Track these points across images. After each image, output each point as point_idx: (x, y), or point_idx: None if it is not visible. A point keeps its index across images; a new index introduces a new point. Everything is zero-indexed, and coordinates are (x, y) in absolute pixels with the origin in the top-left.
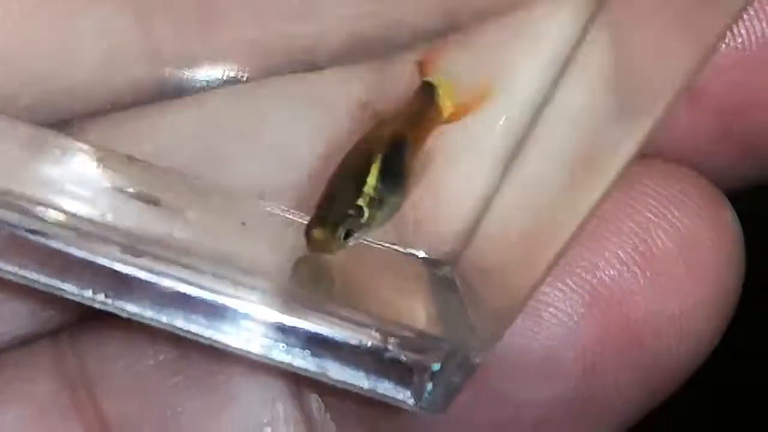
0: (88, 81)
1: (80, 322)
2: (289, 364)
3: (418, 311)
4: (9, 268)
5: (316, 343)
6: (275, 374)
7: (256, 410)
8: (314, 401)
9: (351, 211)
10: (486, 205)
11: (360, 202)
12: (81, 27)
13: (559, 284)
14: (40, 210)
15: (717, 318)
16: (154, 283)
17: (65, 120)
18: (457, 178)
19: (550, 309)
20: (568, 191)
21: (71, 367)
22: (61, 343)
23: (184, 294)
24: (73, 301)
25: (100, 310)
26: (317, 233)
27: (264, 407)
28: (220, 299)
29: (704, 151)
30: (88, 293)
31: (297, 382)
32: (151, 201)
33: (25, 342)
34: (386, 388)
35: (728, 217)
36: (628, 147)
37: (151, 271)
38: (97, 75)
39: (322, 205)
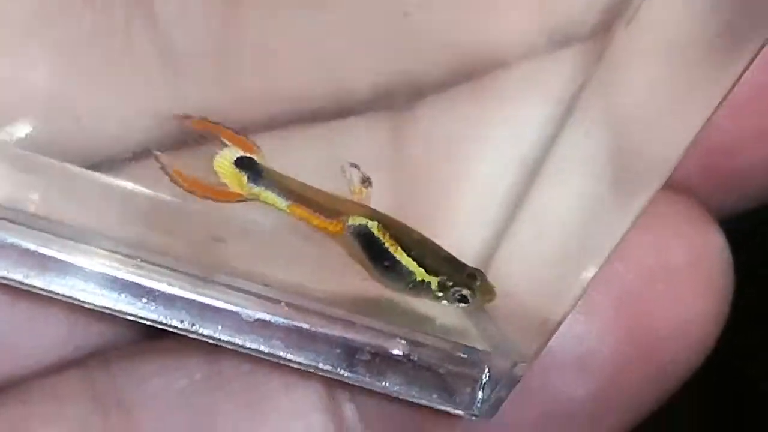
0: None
1: (108, 349)
2: (355, 378)
3: (461, 328)
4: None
5: (378, 359)
6: (309, 386)
7: (291, 424)
8: (349, 411)
9: None
10: (501, 233)
11: None
12: (114, 80)
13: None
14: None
15: (714, 326)
16: (229, 310)
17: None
18: (471, 208)
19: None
20: (580, 221)
21: (102, 390)
22: (90, 367)
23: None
24: (99, 328)
25: (127, 337)
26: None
27: (299, 420)
28: (288, 321)
29: (691, 184)
30: (175, 322)
31: (331, 390)
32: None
33: (53, 369)
34: (439, 398)
35: (721, 240)
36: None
37: (224, 300)
38: (130, 122)
39: (460, 264)
